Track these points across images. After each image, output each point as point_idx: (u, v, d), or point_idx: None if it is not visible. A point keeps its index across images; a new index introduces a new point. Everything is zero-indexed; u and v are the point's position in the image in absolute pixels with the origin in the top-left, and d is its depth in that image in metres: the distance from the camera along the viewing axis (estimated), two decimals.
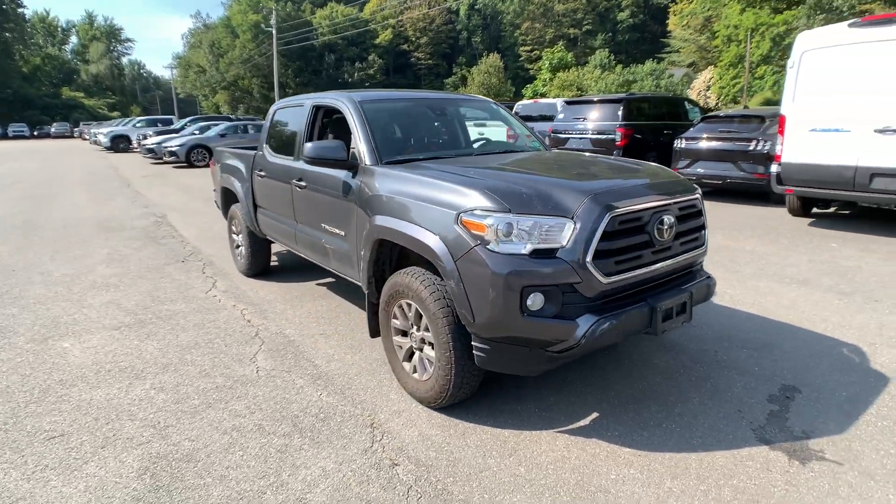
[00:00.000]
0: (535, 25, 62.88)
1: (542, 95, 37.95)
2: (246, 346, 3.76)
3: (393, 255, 3.14)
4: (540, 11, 62.38)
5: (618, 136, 9.69)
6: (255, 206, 4.90)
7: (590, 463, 2.41)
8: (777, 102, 33.52)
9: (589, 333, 2.33)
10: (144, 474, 2.38)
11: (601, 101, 10.56)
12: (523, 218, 2.34)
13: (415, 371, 2.91)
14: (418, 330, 2.84)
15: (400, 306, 2.92)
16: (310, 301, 4.66)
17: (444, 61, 70.76)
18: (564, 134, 10.54)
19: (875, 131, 5.79)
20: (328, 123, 4.17)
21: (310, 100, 4.07)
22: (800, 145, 6.38)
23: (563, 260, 2.32)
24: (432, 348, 2.75)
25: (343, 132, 4.26)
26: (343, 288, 4.96)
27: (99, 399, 3.07)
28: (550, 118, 12.20)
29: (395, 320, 2.99)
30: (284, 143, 4.37)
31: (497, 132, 4.43)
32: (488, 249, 2.36)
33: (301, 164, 3.93)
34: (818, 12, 27.02)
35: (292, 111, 4.36)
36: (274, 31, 35.59)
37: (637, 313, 2.50)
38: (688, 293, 2.72)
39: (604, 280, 2.38)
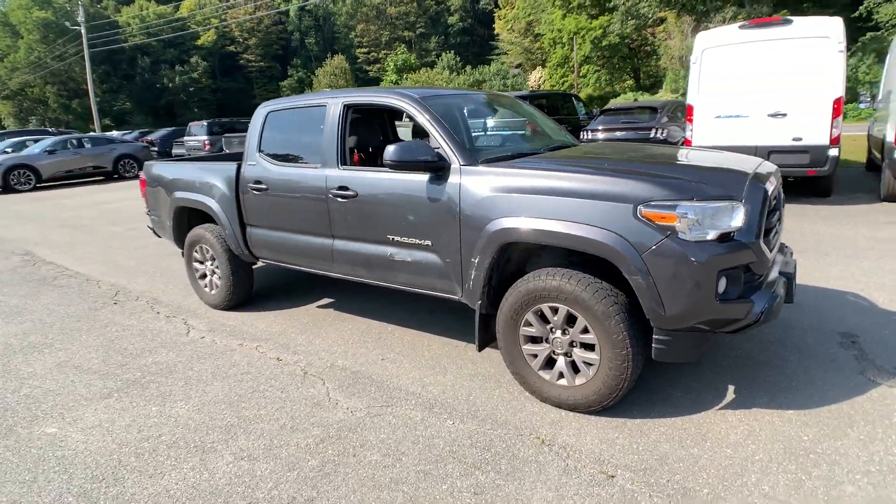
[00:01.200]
0: (370, 27, 62.96)
1: None
2: (308, 388, 3.21)
3: (501, 260, 2.92)
4: (373, 14, 62.62)
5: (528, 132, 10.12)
6: (243, 226, 4.19)
7: (775, 430, 2.51)
8: (600, 97, 37.35)
9: (766, 310, 2.42)
10: None
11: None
12: (705, 205, 2.34)
13: (560, 377, 2.75)
14: (564, 334, 2.69)
15: (538, 312, 2.73)
16: (330, 326, 4.13)
17: (278, 63, 67.37)
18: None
19: (768, 115, 6.90)
20: (354, 124, 3.72)
21: (336, 98, 3.59)
22: (707, 130, 7.33)
23: (741, 241, 2.38)
24: (590, 350, 2.62)
25: (374, 133, 3.86)
26: (357, 306, 4.49)
27: (179, 487, 2.38)
28: None
29: (527, 328, 2.79)
30: (300, 151, 3.82)
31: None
32: (680, 239, 2.32)
33: (342, 172, 3.46)
34: (629, 18, 31.26)
35: (303, 113, 3.82)
36: (83, 31, 30.34)
37: (782, 284, 2.66)
38: (794, 260, 2.98)
39: (770, 256, 2.49)
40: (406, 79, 39.67)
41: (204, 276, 4.73)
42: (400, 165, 2.95)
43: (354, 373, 3.36)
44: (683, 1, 29.45)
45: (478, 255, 2.83)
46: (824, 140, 6.84)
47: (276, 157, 3.91)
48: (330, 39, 67.46)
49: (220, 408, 3.03)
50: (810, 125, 6.87)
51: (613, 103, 11.25)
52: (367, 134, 3.88)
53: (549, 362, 2.80)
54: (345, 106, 3.53)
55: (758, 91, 6.93)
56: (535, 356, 2.81)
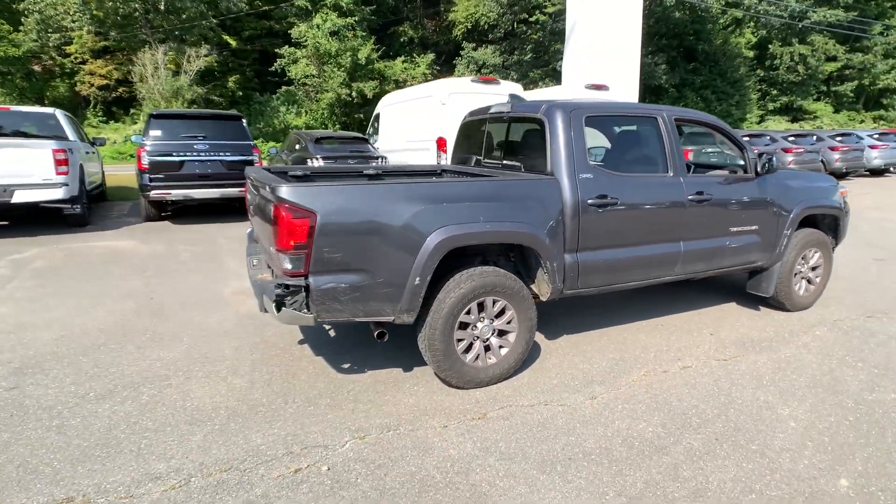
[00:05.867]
0: None
1: None
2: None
3: None
4: None
5: (256, 157, 8.74)
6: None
7: None
8: None
9: None
10: None
11: (216, 118, 8.78)
12: None
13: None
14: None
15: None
16: (651, 335, 4.05)
17: None
18: (172, 156, 8.05)
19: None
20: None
21: (662, 111, 3.85)
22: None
23: None
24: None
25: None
26: (573, 321, 4.34)
27: None
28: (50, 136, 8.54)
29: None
30: (640, 159, 3.74)
31: None
32: None
33: (695, 178, 3.92)
34: (48, 30, 26.71)
35: (631, 122, 3.83)
36: None
37: None
38: None
39: None
40: None
41: (469, 346, 3.22)
42: (767, 171, 4.08)
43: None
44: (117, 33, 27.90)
45: (789, 228, 4.38)
46: None
47: (614, 167, 3.59)
48: None
49: None
50: None
51: (315, 133, 11.21)
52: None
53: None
54: (675, 119, 3.92)
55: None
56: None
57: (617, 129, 4.04)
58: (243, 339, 4.04)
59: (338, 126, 28.87)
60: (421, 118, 9.62)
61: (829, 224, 4.89)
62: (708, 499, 2.33)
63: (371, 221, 2.81)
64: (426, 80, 29.94)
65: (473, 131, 4.55)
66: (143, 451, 2.63)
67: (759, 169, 4.22)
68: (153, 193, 8.05)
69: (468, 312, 3.15)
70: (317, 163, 9.47)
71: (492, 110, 4.20)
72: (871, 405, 3.13)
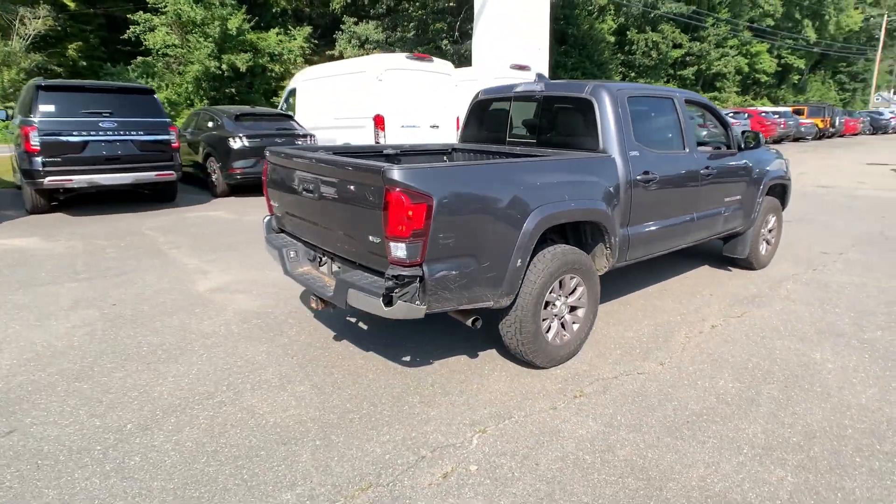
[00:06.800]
0: None
1: None
2: None
3: None
4: None
5: (173, 137, 7.58)
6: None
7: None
8: None
9: None
10: None
11: (123, 91, 7.30)
12: None
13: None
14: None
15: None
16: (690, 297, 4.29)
17: None
18: (73, 135, 6.67)
19: (430, 126, 9.56)
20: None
21: (675, 93, 4.06)
22: (396, 138, 9.14)
23: None
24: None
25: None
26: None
27: None
28: None
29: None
30: (663, 137, 3.90)
31: None
32: None
33: (703, 155, 4.19)
34: None
35: (655, 102, 3.91)
36: None
37: None
38: None
39: None
40: None
41: (548, 326, 3.20)
42: (748, 148, 4.52)
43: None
44: None
45: (761, 197, 4.93)
46: None
47: (648, 144, 3.72)
48: None
49: None
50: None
51: (231, 109, 9.86)
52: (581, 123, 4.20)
53: None
54: (686, 100, 4.16)
55: (421, 107, 9.39)
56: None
57: (647, 109, 4.22)
58: (267, 341, 3.60)
59: (206, 101, 26.33)
60: (353, 95, 9.12)
61: (778, 192, 5.57)
62: (819, 438, 2.60)
63: (480, 203, 2.65)
64: (304, 54, 28.30)
65: (491, 110, 4.44)
66: (253, 483, 2.26)
67: (741, 145, 4.67)
68: (48, 180, 6.70)
69: (551, 291, 3.12)
70: (239, 142, 8.63)
71: (518, 89, 4.12)
72: (872, 343, 3.68)
